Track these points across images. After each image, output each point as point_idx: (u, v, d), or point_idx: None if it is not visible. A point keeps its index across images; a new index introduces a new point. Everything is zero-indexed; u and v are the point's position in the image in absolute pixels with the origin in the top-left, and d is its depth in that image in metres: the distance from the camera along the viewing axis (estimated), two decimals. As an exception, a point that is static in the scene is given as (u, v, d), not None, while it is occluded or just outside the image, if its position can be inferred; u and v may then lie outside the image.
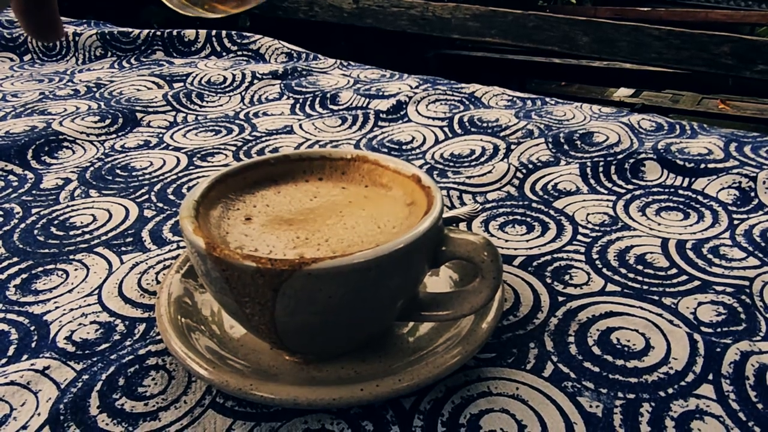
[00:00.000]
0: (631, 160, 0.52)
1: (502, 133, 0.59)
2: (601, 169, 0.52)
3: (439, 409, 0.29)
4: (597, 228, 0.44)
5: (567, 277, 0.39)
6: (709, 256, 0.41)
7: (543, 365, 0.31)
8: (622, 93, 3.36)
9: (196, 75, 0.76)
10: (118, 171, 0.53)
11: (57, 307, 0.36)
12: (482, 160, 0.55)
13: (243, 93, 0.72)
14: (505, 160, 0.54)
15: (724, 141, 0.55)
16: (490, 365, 0.31)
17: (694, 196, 0.48)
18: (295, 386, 0.28)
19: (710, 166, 0.51)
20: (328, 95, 0.70)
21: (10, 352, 0.33)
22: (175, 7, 0.28)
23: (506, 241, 0.43)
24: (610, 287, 0.38)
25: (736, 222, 0.44)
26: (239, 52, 0.88)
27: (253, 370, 0.30)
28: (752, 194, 0.47)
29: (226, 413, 0.29)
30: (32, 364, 0.32)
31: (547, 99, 0.69)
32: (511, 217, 0.46)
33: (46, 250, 0.42)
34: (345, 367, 0.30)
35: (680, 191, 0.49)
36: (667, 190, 0.49)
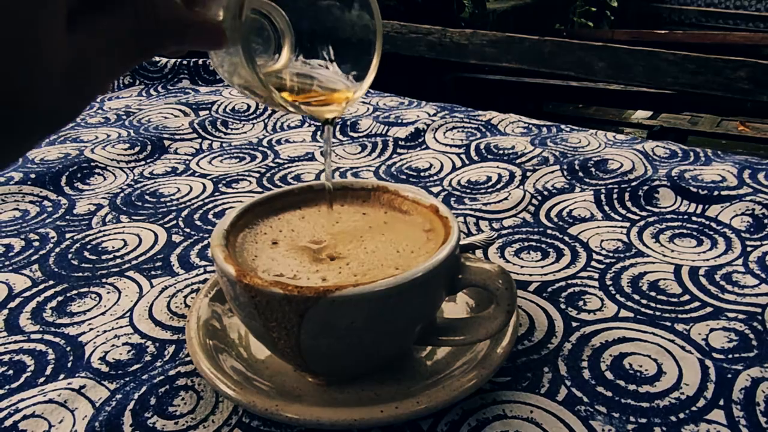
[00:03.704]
0: (645, 187, 0.53)
1: (518, 161, 0.61)
2: (615, 196, 0.53)
3: (455, 431, 0.30)
4: (611, 254, 0.45)
5: (581, 303, 0.40)
6: (722, 282, 0.41)
7: (557, 389, 0.32)
8: (640, 115, 3.35)
9: (221, 103, 0.79)
10: (147, 197, 0.56)
11: (91, 329, 0.38)
12: (498, 186, 0.56)
13: (266, 120, 0.75)
14: (521, 187, 0.56)
15: (738, 168, 0.55)
16: (505, 389, 0.33)
17: (707, 222, 0.49)
18: (318, 407, 0.29)
19: (724, 193, 0.52)
20: (349, 123, 0.72)
21: (48, 372, 0.35)
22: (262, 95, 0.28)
23: (521, 267, 0.44)
24: (624, 313, 0.38)
25: (749, 249, 0.45)
26: (262, 80, 0.90)
27: (278, 391, 0.31)
28: (765, 221, 0.48)
29: (252, 432, 0.30)
30: (69, 383, 0.34)
31: (563, 126, 0.70)
32: (526, 244, 0.47)
33: (80, 274, 0.44)
34: (365, 389, 0.31)
35: (694, 218, 0.50)
36: (680, 217, 0.50)
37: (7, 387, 0.34)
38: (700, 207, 0.51)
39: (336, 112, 0.32)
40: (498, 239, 0.48)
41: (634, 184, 0.54)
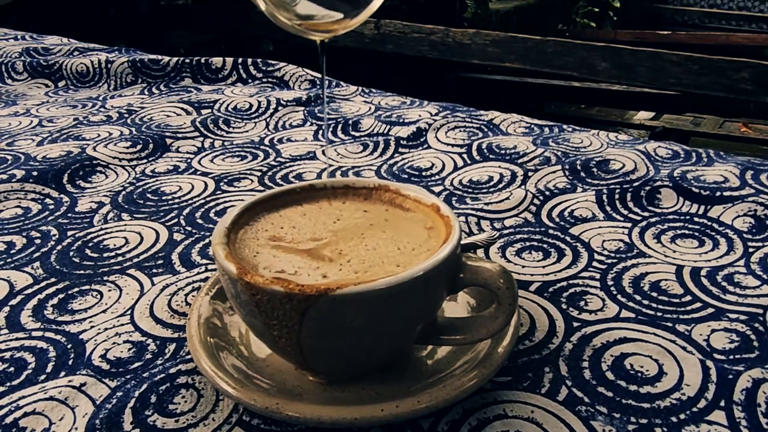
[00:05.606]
0: (647, 188, 0.53)
1: (520, 160, 0.60)
2: (617, 196, 0.53)
3: (456, 430, 0.30)
4: (612, 255, 0.45)
5: (582, 303, 0.39)
6: (724, 283, 0.41)
7: (558, 389, 0.32)
8: (643, 116, 3.35)
9: (223, 102, 0.79)
10: (148, 195, 0.56)
11: (92, 327, 0.38)
12: (500, 186, 0.56)
13: (268, 119, 0.75)
14: (523, 186, 0.56)
15: (740, 169, 0.55)
16: (506, 388, 0.33)
17: (709, 223, 0.49)
18: (319, 405, 0.29)
19: (726, 193, 0.52)
20: (350, 122, 0.72)
21: (49, 369, 0.35)
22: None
23: (523, 267, 0.44)
24: (625, 313, 0.38)
25: (751, 250, 0.45)
26: (264, 80, 0.90)
27: (279, 389, 0.31)
28: (767, 222, 0.48)
29: (252, 431, 0.30)
30: (70, 381, 0.34)
31: (565, 126, 0.70)
32: (527, 243, 0.47)
33: (82, 272, 0.44)
34: (366, 388, 0.31)
35: (696, 219, 0.50)
36: (682, 217, 0.50)
37: (8, 384, 0.34)
38: (702, 208, 0.51)
39: (326, 36, 0.32)
40: (499, 239, 0.47)
41: (636, 184, 0.54)
